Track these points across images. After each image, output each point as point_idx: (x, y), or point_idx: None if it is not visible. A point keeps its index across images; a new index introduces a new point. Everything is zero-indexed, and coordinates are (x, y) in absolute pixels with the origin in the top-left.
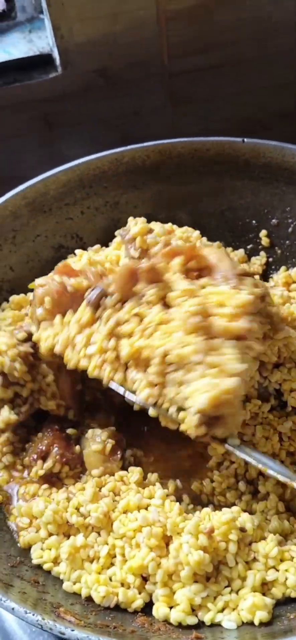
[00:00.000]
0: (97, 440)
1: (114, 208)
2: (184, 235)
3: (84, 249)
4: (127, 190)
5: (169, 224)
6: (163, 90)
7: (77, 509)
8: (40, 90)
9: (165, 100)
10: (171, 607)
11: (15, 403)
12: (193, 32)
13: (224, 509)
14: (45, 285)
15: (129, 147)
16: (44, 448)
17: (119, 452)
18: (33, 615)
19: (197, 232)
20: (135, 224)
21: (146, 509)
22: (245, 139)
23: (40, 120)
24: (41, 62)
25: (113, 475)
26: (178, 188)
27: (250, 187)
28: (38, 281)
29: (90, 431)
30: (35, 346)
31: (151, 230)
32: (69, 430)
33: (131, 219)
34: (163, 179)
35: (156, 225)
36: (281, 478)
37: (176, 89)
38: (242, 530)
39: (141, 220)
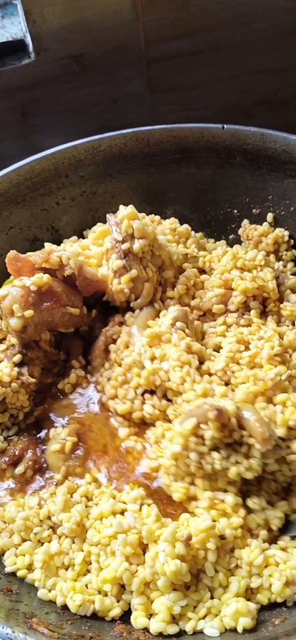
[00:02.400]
0: (58, 438)
1: (91, 198)
2: (173, 227)
3: (60, 241)
4: (105, 180)
5: (152, 215)
6: (141, 78)
7: (49, 517)
8: (14, 78)
9: (144, 87)
10: (150, 616)
11: (3, 425)
12: (170, 16)
13: (203, 516)
14: (8, 295)
15: (106, 134)
16: (17, 452)
17: (79, 449)
18: (2, 628)
19: (185, 226)
20: (125, 209)
21: (122, 513)
22: (225, 126)
23: (16, 109)
24: (14, 48)
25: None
26: (157, 177)
27: (230, 175)
28: (0, 293)
29: (52, 431)
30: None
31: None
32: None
33: (122, 207)
34: (141, 167)
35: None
36: None
37: (154, 76)
38: (222, 537)
39: (131, 207)
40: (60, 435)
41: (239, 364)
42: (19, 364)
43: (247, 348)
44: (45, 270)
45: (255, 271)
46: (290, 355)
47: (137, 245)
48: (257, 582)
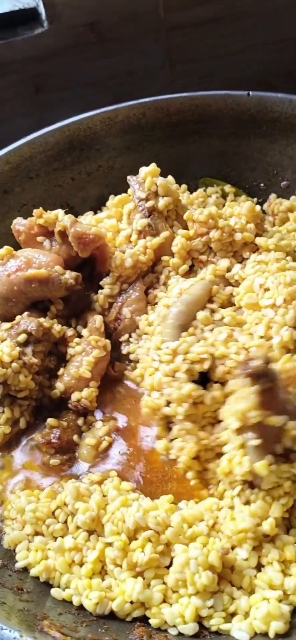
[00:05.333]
0: (96, 434)
1: (108, 173)
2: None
3: None
4: (122, 153)
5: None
6: (160, 47)
7: (60, 507)
8: (25, 48)
9: (162, 58)
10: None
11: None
12: None
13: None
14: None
15: (123, 104)
16: (58, 434)
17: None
18: (10, 631)
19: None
20: (146, 168)
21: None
22: (250, 92)
23: (28, 82)
24: (26, 17)
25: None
26: (178, 149)
27: (256, 145)
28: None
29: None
30: (36, 343)
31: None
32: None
33: (143, 167)
34: (161, 139)
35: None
36: None
37: (173, 45)
38: (265, 536)
39: (154, 164)
40: (100, 430)
41: None
42: (23, 344)
43: None
44: (43, 230)
45: None
46: None
47: (162, 202)
48: (292, 582)
